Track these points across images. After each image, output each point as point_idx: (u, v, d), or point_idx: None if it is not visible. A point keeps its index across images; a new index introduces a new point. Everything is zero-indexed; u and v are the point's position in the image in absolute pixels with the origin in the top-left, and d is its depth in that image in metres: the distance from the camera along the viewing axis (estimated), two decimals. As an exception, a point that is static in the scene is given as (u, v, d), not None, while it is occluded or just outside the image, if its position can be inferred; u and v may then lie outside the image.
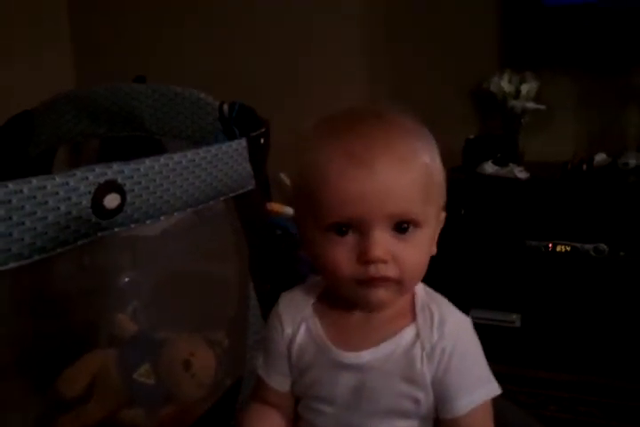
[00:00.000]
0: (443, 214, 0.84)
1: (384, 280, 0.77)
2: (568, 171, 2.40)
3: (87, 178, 0.94)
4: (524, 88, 2.57)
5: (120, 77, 2.32)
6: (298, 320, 0.86)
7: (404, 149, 0.77)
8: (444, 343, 0.80)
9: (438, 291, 0.87)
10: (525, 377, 2.21)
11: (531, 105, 2.56)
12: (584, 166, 2.38)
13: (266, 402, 0.91)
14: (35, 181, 0.87)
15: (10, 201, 0.84)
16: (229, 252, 1.51)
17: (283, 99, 2.82)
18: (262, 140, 1.37)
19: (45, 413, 1.34)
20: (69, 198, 0.92)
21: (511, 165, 2.44)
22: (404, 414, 0.82)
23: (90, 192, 0.95)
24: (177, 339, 1.50)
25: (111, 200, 0.99)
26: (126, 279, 1.60)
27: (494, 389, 0.82)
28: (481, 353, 0.83)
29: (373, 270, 0.76)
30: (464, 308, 0.85)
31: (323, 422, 0.85)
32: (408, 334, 0.81)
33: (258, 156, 1.36)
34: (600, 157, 2.41)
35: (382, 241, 0.75)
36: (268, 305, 0.96)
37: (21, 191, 0.85)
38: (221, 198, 1.29)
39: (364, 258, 0.76)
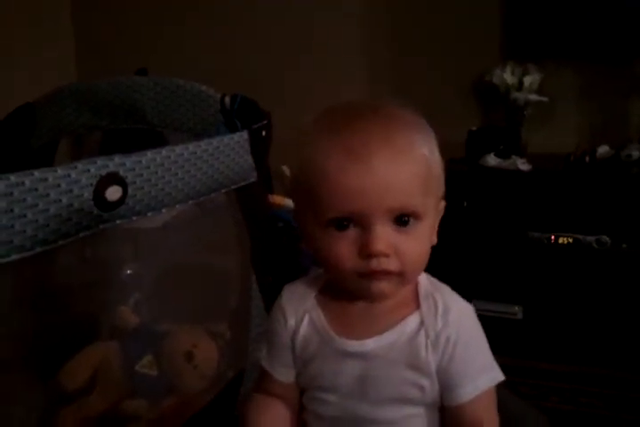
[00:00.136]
0: (442, 204, 0.84)
1: (386, 273, 0.77)
2: (571, 163, 2.40)
3: (89, 170, 0.94)
4: (527, 80, 2.57)
5: (121, 74, 2.33)
6: (301, 312, 0.87)
7: (403, 141, 0.77)
8: (448, 331, 0.80)
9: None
10: (527, 368, 2.22)
11: (533, 97, 2.56)
12: (587, 158, 2.38)
13: (270, 394, 0.91)
14: (36, 174, 0.87)
15: (12, 193, 0.84)
16: (231, 244, 1.51)
17: (283, 92, 2.81)
18: (264, 133, 1.37)
19: (48, 405, 1.34)
20: (71, 191, 0.92)
21: (514, 157, 2.44)
22: (409, 402, 0.82)
23: (91, 184, 0.95)
24: (179, 331, 1.51)
25: (113, 192, 0.99)
26: (128, 272, 1.60)
27: (498, 376, 0.83)
28: (484, 341, 0.84)
29: (375, 264, 0.76)
30: (466, 299, 0.86)
31: (328, 412, 0.86)
32: (412, 322, 0.82)
33: (259, 148, 1.35)
34: (603, 149, 2.41)
35: (383, 235, 0.76)
36: (270, 297, 0.97)
37: (23, 184, 0.85)
38: (223, 191, 1.29)
39: (365, 252, 0.76)
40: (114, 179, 0.98)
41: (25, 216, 0.86)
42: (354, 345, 0.83)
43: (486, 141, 2.54)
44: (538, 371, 2.22)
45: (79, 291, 1.46)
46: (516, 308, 2.37)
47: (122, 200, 1.01)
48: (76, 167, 0.93)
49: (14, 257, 0.86)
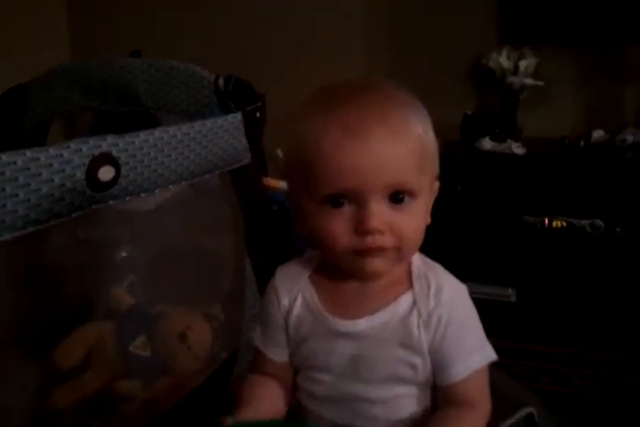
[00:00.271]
0: (436, 184, 0.85)
1: (381, 250, 0.78)
2: (565, 147, 2.40)
3: (81, 150, 0.94)
4: (523, 64, 2.56)
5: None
6: (294, 292, 0.87)
7: (399, 120, 0.78)
8: (440, 311, 0.81)
9: (435, 265, 0.88)
10: (520, 350, 2.23)
11: (529, 81, 2.56)
12: (582, 143, 2.38)
13: (264, 373, 0.92)
14: (28, 153, 0.87)
15: (3, 173, 0.84)
16: (225, 226, 1.51)
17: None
18: (258, 115, 1.36)
19: (42, 384, 1.34)
20: (63, 170, 0.91)
21: (509, 140, 2.44)
22: (401, 381, 0.83)
23: (84, 164, 0.94)
24: (173, 312, 1.51)
25: (105, 173, 0.98)
26: (123, 254, 1.59)
27: (490, 355, 0.84)
28: (476, 320, 0.84)
29: (370, 241, 0.77)
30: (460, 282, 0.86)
31: (321, 391, 0.87)
32: (405, 301, 0.82)
33: (254, 130, 1.35)
34: (598, 134, 2.41)
35: (379, 212, 0.76)
36: (264, 279, 0.97)
37: (15, 163, 0.85)
38: (217, 172, 1.29)
39: (360, 229, 0.77)
40: (106, 159, 0.98)
41: (17, 196, 0.86)
42: (346, 325, 0.83)
43: (481, 125, 2.54)
44: (531, 353, 2.24)
45: (73, 272, 1.45)
46: (510, 291, 2.38)
47: (114, 181, 1.00)
48: (68, 147, 0.92)
49: (6, 236, 0.85)
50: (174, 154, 1.13)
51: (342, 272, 0.83)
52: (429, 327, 0.81)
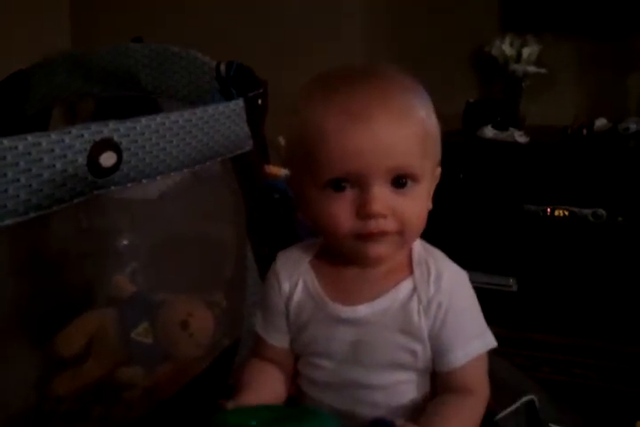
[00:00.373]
0: (438, 170, 0.85)
1: (383, 235, 0.78)
2: (568, 135, 2.39)
3: (83, 135, 0.94)
4: (526, 52, 2.55)
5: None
6: (295, 278, 0.87)
7: (401, 104, 0.77)
8: (440, 297, 0.81)
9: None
10: (521, 340, 2.23)
11: (532, 69, 2.55)
12: (584, 131, 2.37)
13: (265, 359, 0.92)
14: (30, 138, 0.87)
15: (5, 157, 0.83)
16: (227, 214, 1.51)
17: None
18: (260, 101, 1.36)
19: (43, 371, 1.35)
20: (65, 156, 0.91)
21: (511, 129, 2.43)
22: (401, 367, 0.83)
23: (85, 150, 0.94)
24: (175, 300, 1.51)
25: (107, 158, 0.98)
26: (124, 242, 1.60)
27: (490, 342, 0.84)
28: (476, 306, 0.84)
29: (373, 225, 0.77)
30: (461, 270, 0.86)
31: (322, 377, 0.87)
32: (405, 287, 0.82)
33: (255, 116, 1.34)
34: (600, 122, 2.40)
35: (381, 196, 0.76)
36: (265, 267, 0.96)
37: (16, 148, 0.85)
38: (219, 159, 1.28)
39: (363, 213, 0.76)
40: (108, 144, 0.98)
41: (18, 181, 0.86)
42: (347, 311, 0.83)
43: (484, 113, 2.53)
44: (532, 342, 2.24)
45: (75, 260, 1.45)
46: (511, 280, 2.38)
47: (116, 166, 1.00)
48: (69, 132, 0.92)
49: (8, 222, 0.85)
50: (176, 140, 1.13)
51: (343, 258, 0.83)
52: (429, 314, 0.81)
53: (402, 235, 0.79)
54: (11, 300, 1.27)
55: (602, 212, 2.26)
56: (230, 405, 0.80)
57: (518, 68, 2.55)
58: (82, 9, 3.24)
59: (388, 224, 0.77)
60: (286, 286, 0.87)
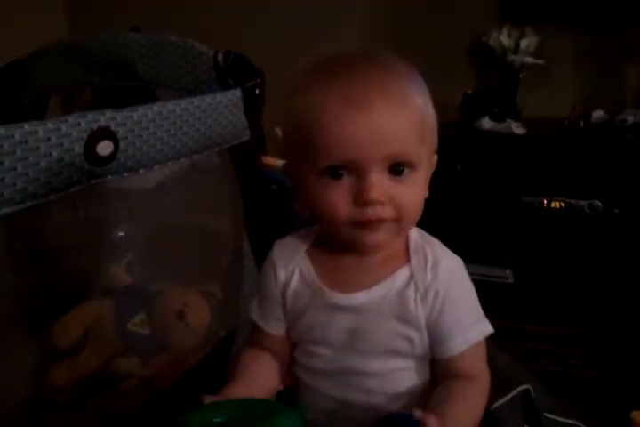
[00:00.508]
0: (435, 157, 0.85)
1: (380, 222, 0.78)
2: (565, 127, 2.39)
3: (79, 124, 0.93)
4: (524, 43, 2.55)
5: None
6: (291, 266, 0.87)
7: (399, 92, 0.77)
8: (437, 285, 0.81)
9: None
10: (518, 331, 2.24)
11: (529, 60, 2.54)
12: (581, 123, 2.37)
13: (261, 347, 0.92)
14: (26, 127, 0.86)
15: (1, 146, 0.83)
16: (224, 204, 1.51)
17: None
18: (257, 91, 1.35)
19: (40, 362, 1.34)
20: (62, 144, 0.91)
21: (508, 120, 2.43)
22: (398, 354, 0.83)
23: (82, 138, 0.94)
24: (171, 290, 1.51)
25: (104, 147, 0.97)
26: (121, 234, 1.59)
27: (487, 328, 0.84)
28: (473, 294, 0.85)
29: (370, 212, 0.77)
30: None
31: (318, 365, 0.87)
32: (402, 275, 0.82)
33: (253, 106, 1.34)
34: (597, 114, 2.40)
35: (379, 183, 0.76)
36: (262, 258, 0.96)
37: (13, 136, 0.84)
38: (216, 149, 1.28)
39: (360, 200, 0.76)
40: (105, 133, 0.97)
41: (15, 169, 0.85)
42: (343, 298, 0.83)
43: (481, 104, 2.53)
44: (528, 334, 2.24)
45: (72, 250, 1.45)
46: (508, 271, 2.38)
47: (113, 155, 1.00)
48: (66, 121, 0.92)
49: (4, 210, 0.85)
50: (173, 129, 1.12)
51: (340, 246, 0.83)
52: (426, 301, 0.81)
53: (399, 222, 0.79)
54: (7, 290, 1.26)
55: (598, 203, 2.26)
56: (208, 399, 0.78)
57: (516, 59, 2.54)
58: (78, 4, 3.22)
59: (386, 211, 0.77)
60: (282, 275, 0.88)
